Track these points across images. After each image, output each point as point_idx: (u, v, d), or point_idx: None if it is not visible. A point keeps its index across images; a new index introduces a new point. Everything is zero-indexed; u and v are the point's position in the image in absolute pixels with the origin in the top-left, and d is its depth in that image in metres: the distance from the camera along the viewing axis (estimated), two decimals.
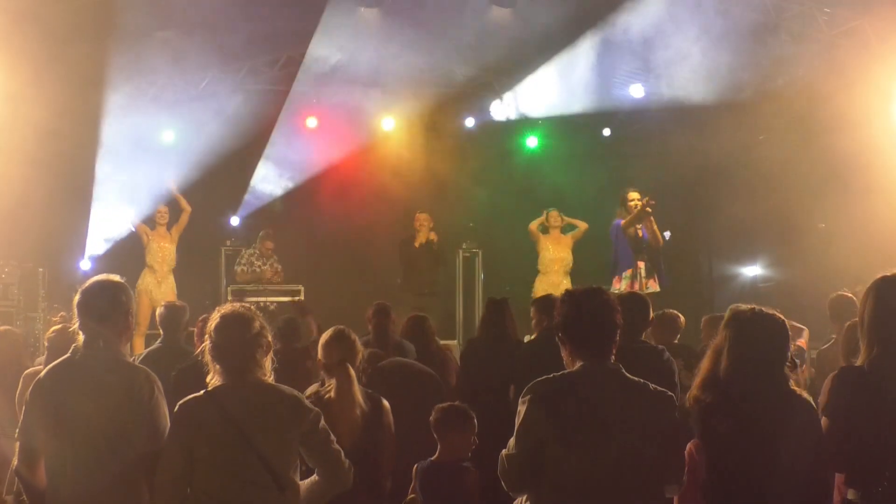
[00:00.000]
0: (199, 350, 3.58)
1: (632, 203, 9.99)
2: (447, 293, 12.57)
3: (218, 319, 3.56)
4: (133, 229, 11.33)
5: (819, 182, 10.05)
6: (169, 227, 11.26)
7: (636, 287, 9.53)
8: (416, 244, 11.51)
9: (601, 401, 3.26)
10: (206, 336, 3.56)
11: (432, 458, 4.66)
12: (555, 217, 11.35)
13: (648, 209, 9.78)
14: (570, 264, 11.24)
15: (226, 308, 3.61)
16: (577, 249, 11.32)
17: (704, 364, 3.61)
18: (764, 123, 11.02)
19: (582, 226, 11.43)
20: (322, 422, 3.55)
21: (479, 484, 4.61)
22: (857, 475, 3.52)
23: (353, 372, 4.37)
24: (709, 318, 7.05)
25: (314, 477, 3.66)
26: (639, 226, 10.00)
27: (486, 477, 4.37)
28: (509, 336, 6.60)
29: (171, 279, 11.17)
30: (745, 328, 3.56)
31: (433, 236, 11.54)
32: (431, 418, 4.67)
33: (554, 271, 11.11)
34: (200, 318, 5.89)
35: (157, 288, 10.95)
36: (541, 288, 10.73)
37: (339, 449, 3.61)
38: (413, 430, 4.77)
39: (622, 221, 9.99)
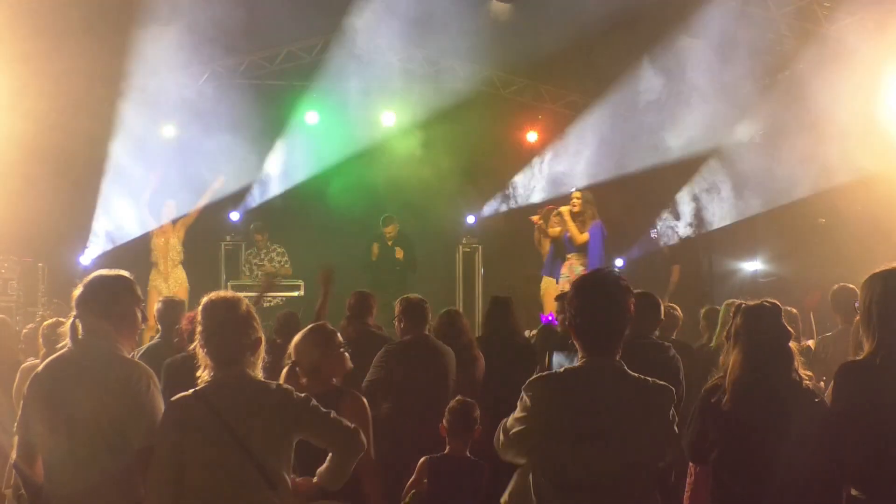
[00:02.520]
0: (193, 345, 3.57)
1: (571, 201, 10.10)
2: (447, 288, 12.57)
3: (205, 302, 3.54)
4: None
5: (819, 176, 10.04)
6: (174, 221, 11.20)
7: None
8: (373, 257, 11.30)
9: (601, 400, 3.24)
10: (196, 323, 3.54)
11: (444, 453, 4.71)
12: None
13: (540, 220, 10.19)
14: None
15: (213, 294, 3.59)
16: None
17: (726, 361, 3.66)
18: (762, 116, 11.01)
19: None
20: (313, 401, 3.48)
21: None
22: (862, 470, 3.49)
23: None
24: (708, 310, 7.12)
25: (328, 457, 3.56)
26: (559, 229, 10.13)
27: (493, 470, 4.48)
28: (517, 332, 6.71)
29: (179, 272, 11.09)
30: (752, 322, 3.61)
31: (399, 253, 11.26)
32: (444, 421, 4.74)
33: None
34: (187, 316, 5.55)
35: (164, 283, 10.92)
36: (549, 282, 10.42)
37: (338, 418, 3.52)
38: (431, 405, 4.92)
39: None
